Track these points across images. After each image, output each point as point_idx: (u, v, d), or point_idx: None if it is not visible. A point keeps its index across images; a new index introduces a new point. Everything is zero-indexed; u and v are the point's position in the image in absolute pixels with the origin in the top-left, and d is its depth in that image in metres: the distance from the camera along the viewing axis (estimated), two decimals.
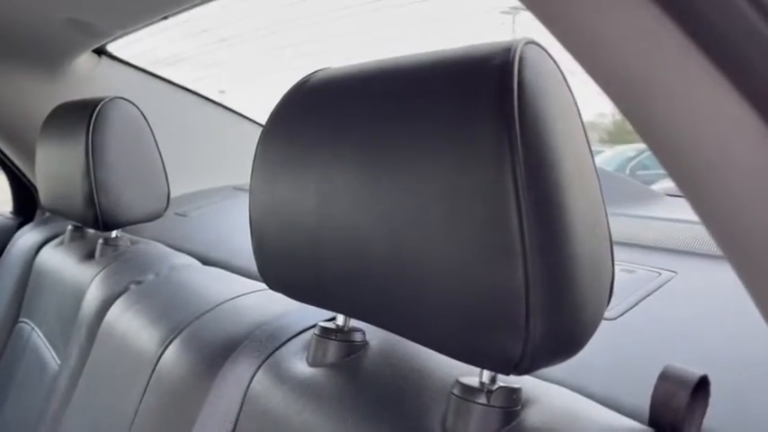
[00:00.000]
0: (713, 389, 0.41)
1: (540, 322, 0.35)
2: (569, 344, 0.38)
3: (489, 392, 0.42)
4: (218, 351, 0.63)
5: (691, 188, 0.32)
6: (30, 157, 1.31)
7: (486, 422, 0.41)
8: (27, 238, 1.30)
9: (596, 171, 0.40)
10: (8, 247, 1.36)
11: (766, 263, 0.31)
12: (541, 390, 0.45)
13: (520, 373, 0.38)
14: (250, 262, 0.65)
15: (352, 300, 0.46)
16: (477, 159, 0.36)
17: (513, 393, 0.42)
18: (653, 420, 0.41)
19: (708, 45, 0.27)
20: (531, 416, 0.42)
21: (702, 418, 0.41)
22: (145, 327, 0.76)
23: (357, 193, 0.43)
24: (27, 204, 1.50)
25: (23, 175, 1.45)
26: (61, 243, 1.18)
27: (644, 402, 0.41)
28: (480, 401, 0.42)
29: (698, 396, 0.40)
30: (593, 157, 0.40)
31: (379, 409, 0.47)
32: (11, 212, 1.52)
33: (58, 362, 0.95)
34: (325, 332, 0.56)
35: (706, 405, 0.41)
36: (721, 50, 0.27)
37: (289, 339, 0.61)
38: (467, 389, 0.42)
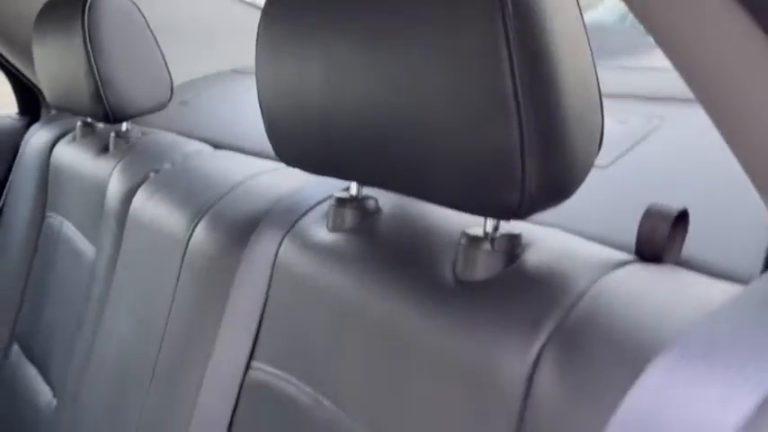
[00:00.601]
0: (692, 220, 0.46)
1: (534, 173, 0.40)
2: (562, 190, 0.42)
3: (493, 240, 0.47)
4: (242, 227, 0.68)
5: (697, 85, 0.37)
6: (27, 56, 1.31)
7: (491, 265, 0.47)
8: (38, 136, 1.33)
9: (584, 24, 0.43)
10: (21, 147, 1.39)
11: (758, 137, 0.36)
12: (539, 234, 0.50)
13: (518, 217, 0.42)
14: (261, 143, 0.68)
15: (363, 166, 0.50)
16: (470, 19, 0.39)
17: (513, 239, 0.48)
18: (638, 251, 0.46)
19: None
20: (530, 256, 0.47)
21: (681, 245, 0.46)
22: (171, 212, 0.81)
23: (362, 63, 0.45)
24: (31, 104, 1.51)
25: (23, 75, 1.45)
26: (73, 139, 1.21)
27: (631, 237, 0.46)
28: (485, 248, 0.47)
29: (678, 227, 0.45)
30: (581, 10, 0.42)
31: (397, 264, 0.53)
32: (17, 114, 1.54)
33: (93, 248, 1.01)
34: (341, 202, 0.60)
35: (685, 233, 0.46)
36: None
37: (307, 211, 0.66)
38: (473, 238, 0.47)
